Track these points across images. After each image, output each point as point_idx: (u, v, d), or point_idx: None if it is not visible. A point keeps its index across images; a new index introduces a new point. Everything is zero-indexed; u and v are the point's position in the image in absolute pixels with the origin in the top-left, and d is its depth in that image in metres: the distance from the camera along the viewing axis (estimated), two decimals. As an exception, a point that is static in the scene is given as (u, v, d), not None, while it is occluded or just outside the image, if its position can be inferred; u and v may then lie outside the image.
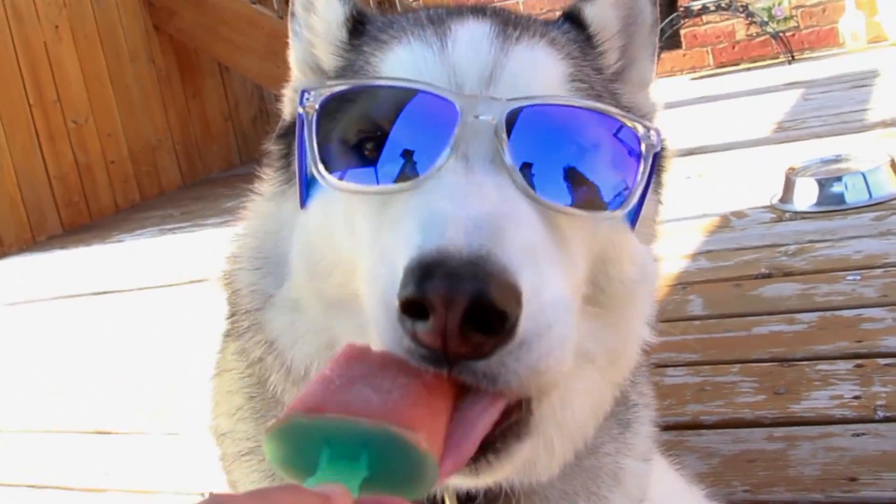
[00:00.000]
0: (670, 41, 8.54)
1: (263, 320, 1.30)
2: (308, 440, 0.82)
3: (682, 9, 8.51)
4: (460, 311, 0.87)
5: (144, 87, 7.80)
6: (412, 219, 0.99)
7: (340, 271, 1.18)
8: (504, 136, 1.06)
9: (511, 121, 1.07)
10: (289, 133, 1.36)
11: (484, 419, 0.94)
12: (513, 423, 1.02)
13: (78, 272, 5.62)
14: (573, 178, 1.09)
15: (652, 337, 1.32)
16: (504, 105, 1.07)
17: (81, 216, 7.10)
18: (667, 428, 2.23)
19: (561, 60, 1.24)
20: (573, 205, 1.08)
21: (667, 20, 8.39)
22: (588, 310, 1.16)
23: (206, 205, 6.66)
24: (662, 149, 1.21)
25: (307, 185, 1.21)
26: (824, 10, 8.72)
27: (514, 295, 0.90)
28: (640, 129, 1.13)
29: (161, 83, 7.98)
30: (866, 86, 6.46)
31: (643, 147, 1.12)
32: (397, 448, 0.81)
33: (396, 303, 0.91)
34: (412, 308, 0.90)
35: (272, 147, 1.42)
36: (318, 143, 1.12)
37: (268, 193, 1.41)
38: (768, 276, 3.20)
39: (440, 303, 0.87)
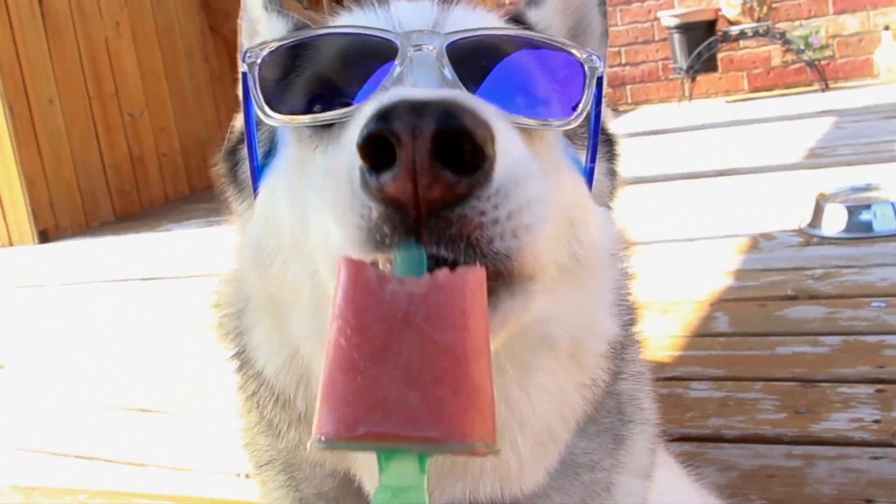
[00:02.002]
0: (707, 64, 8.56)
1: (249, 355, 1.27)
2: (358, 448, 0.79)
3: (719, 33, 8.54)
4: (428, 137, 0.78)
5: (198, 84, 7.94)
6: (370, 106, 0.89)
7: (281, 256, 1.14)
8: (446, 60, 1.01)
9: (453, 51, 1.02)
10: (233, 149, 1.37)
11: None
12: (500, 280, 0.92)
13: (127, 258, 5.74)
14: (520, 98, 1.06)
15: (618, 331, 1.22)
16: (444, 37, 1.03)
17: (133, 205, 7.26)
18: (689, 439, 2.28)
19: (500, 20, 1.24)
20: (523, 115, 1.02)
21: (704, 44, 8.42)
22: (559, 287, 1.08)
23: (252, 200, 6.72)
24: (613, 136, 1.23)
25: (258, 173, 1.19)
26: (860, 41, 8.73)
27: (487, 130, 0.81)
28: (582, 54, 1.09)
29: (213, 81, 8.12)
30: (899, 117, 6.46)
31: (586, 69, 1.08)
32: (453, 453, 0.77)
33: (358, 166, 0.83)
34: (373, 153, 0.81)
35: (220, 166, 1.40)
36: (264, 93, 1.08)
37: (236, 224, 1.39)
38: (794, 298, 3.23)
39: (405, 131, 0.78)
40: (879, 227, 3.84)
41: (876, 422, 2.28)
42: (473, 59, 1.04)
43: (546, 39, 1.13)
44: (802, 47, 8.52)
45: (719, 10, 8.59)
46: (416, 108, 0.79)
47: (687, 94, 8.77)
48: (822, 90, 8.39)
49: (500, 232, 0.85)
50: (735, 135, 6.92)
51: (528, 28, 1.31)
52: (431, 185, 0.80)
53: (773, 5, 8.66)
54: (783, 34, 8.47)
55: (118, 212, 7.11)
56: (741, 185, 5.07)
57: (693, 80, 8.77)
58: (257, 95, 1.07)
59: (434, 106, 0.79)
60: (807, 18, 8.85)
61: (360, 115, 0.90)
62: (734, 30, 8.43)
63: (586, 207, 1.15)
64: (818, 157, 5.56)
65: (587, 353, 1.16)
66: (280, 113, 1.07)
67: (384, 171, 0.80)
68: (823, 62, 8.62)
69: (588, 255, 1.12)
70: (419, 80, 1.00)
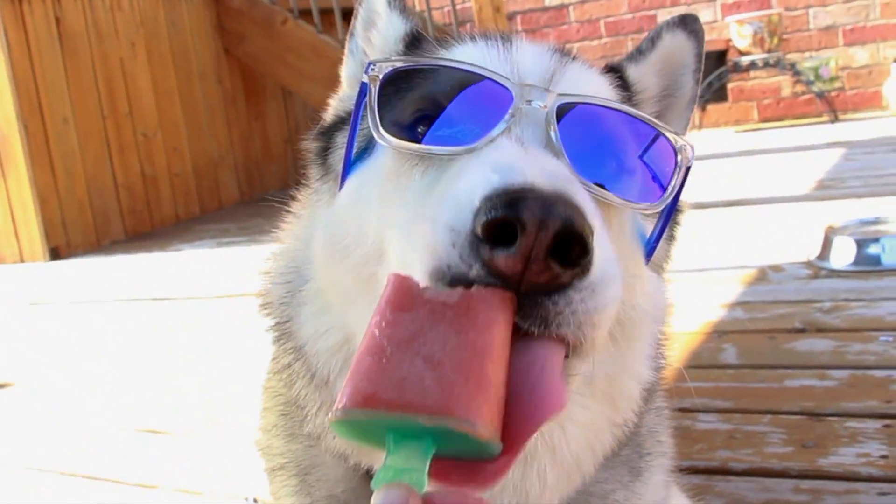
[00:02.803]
0: (717, 94, 8.59)
1: (293, 328, 1.32)
2: (371, 428, 0.84)
3: (730, 63, 8.57)
4: (551, 234, 0.86)
5: (211, 105, 8.00)
6: (480, 168, 0.98)
7: (362, 251, 1.18)
8: (554, 121, 1.07)
9: (562, 112, 1.09)
10: (328, 131, 1.42)
11: (548, 370, 0.91)
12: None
13: (138, 277, 5.77)
14: (613, 174, 1.11)
15: (652, 377, 1.30)
16: (557, 97, 1.09)
17: (144, 224, 7.31)
18: (696, 472, 2.28)
19: (610, 86, 1.30)
20: (614, 194, 1.09)
21: (715, 73, 8.45)
22: None
23: (263, 221, 6.65)
24: (681, 202, 1.25)
25: (349, 166, 1.24)
26: (870, 73, 8.76)
27: (592, 232, 0.90)
28: (678, 142, 1.15)
29: (227, 103, 8.18)
30: (908, 150, 6.47)
31: (679, 158, 1.15)
32: (460, 436, 0.81)
33: (474, 228, 0.89)
34: (496, 231, 0.88)
35: (312, 143, 1.46)
36: (380, 108, 1.13)
37: (298, 209, 1.45)
38: (802, 330, 3.24)
39: (534, 223, 0.86)
40: (888, 260, 3.84)
41: (883, 457, 2.28)
42: (579, 125, 1.10)
43: (649, 120, 1.17)
44: (812, 79, 8.55)
45: (730, 40, 8.63)
46: (546, 205, 0.86)
47: (697, 123, 8.79)
48: (832, 122, 8.42)
49: (575, 322, 0.92)
50: (745, 165, 6.93)
51: (625, 82, 1.41)
52: (540, 272, 0.88)
53: (784, 36, 8.70)
54: (793, 65, 8.51)
55: (129, 231, 7.15)
56: (750, 216, 5.09)
57: (703, 109, 8.81)
58: (374, 112, 1.13)
59: (561, 205, 0.87)
60: (817, 50, 8.88)
61: (478, 174, 0.96)
62: (745, 60, 8.46)
63: (639, 276, 1.21)
64: (827, 189, 5.57)
65: (623, 396, 1.24)
66: (389, 131, 1.12)
67: (498, 245, 0.88)
68: (833, 94, 8.65)
69: (631, 319, 1.19)
70: (525, 136, 1.06)
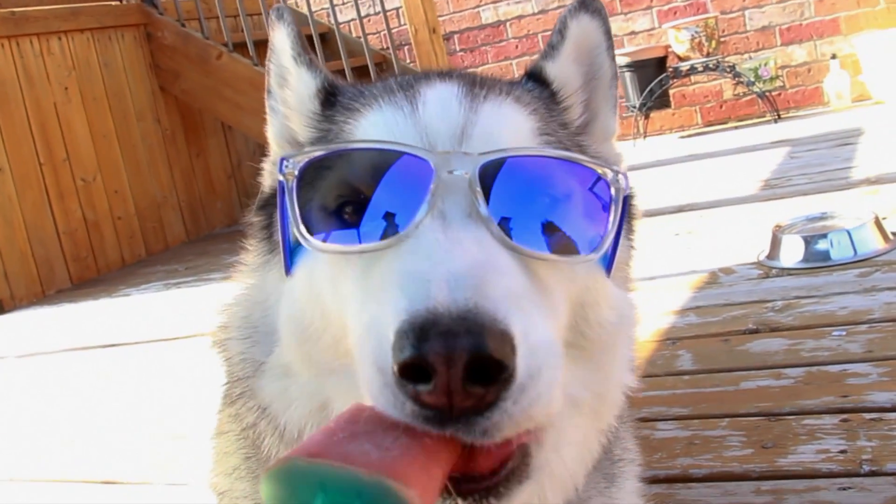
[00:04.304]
0: (659, 101, 8.63)
1: (255, 387, 1.32)
2: (305, 483, 0.83)
3: (670, 69, 8.63)
4: (461, 368, 0.88)
5: (150, 145, 7.91)
6: (395, 284, 1.00)
7: (330, 335, 1.19)
8: (478, 188, 1.08)
9: (484, 174, 1.09)
10: (269, 204, 1.39)
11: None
12: (514, 468, 1.04)
13: (86, 325, 5.67)
14: (548, 225, 1.12)
15: (635, 382, 1.35)
16: (476, 159, 1.10)
17: (89, 271, 7.19)
18: (657, 481, 2.27)
19: (528, 116, 1.28)
20: (550, 251, 1.10)
21: (656, 80, 8.50)
22: (571, 354, 1.17)
23: (210, 260, 6.72)
24: (630, 195, 1.26)
25: (291, 253, 1.23)
26: (809, 70, 8.86)
27: (509, 342, 0.92)
28: (609, 175, 1.15)
29: (166, 142, 8.09)
30: (851, 144, 6.54)
31: (613, 191, 1.15)
32: (390, 501, 0.82)
33: (392, 368, 0.93)
34: (411, 371, 0.91)
35: (253, 219, 1.45)
36: (300, 208, 1.15)
37: (253, 263, 1.44)
38: (756, 331, 3.24)
39: (441, 362, 0.88)
40: (836, 255, 3.86)
41: (842, 452, 2.28)
42: (504, 184, 1.11)
43: (575, 159, 1.18)
44: (753, 79, 8.62)
45: (669, 46, 8.70)
46: (449, 341, 0.89)
47: (641, 131, 8.84)
48: (775, 121, 8.49)
49: (512, 425, 0.95)
50: (690, 170, 6.97)
51: (547, 84, 1.42)
52: (464, 400, 0.91)
53: (722, 39, 8.78)
54: (733, 67, 8.58)
55: (75, 279, 7.03)
56: (698, 221, 5.11)
57: (647, 117, 8.85)
58: (295, 215, 1.14)
59: (463, 336, 0.89)
60: (755, 51, 8.97)
61: (393, 295, 0.99)
62: (684, 65, 8.52)
63: (598, 290, 1.22)
64: (773, 189, 5.61)
65: (608, 404, 1.29)
66: (315, 229, 1.15)
67: (419, 381, 0.91)
68: (774, 93, 8.73)
69: (597, 331, 1.22)
70: (448, 210, 1.08)
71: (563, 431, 1.20)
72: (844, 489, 2.13)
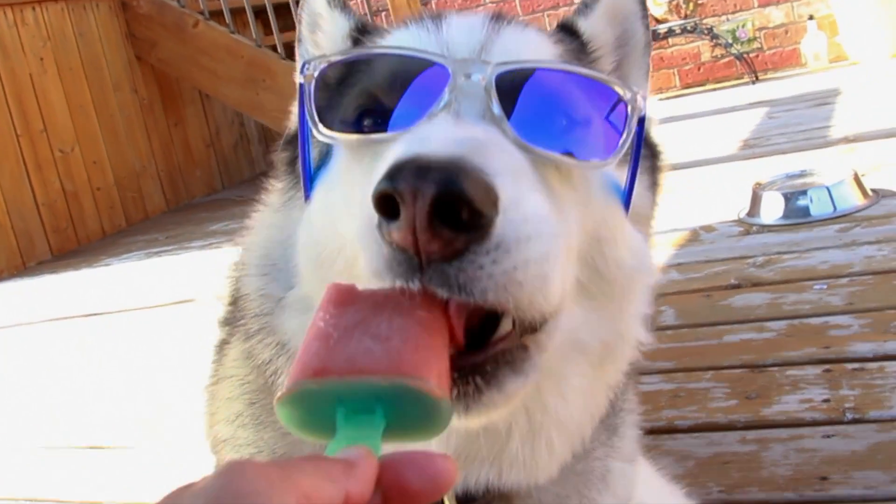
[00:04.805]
0: (638, 63, 8.62)
1: (275, 323, 1.31)
2: (321, 402, 0.82)
3: (648, 31, 8.62)
4: (428, 200, 0.85)
5: (128, 115, 7.83)
6: (397, 147, 1.00)
7: (343, 257, 1.18)
8: (494, 92, 1.07)
9: (501, 82, 1.08)
10: (294, 140, 1.38)
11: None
12: (504, 350, 1.01)
13: (67, 295, 5.62)
14: (563, 133, 1.10)
15: (648, 338, 1.30)
16: (495, 67, 1.08)
17: (69, 242, 7.12)
18: (644, 433, 2.29)
19: (552, 44, 1.28)
20: (562, 154, 1.08)
21: (633, 42, 8.48)
22: (583, 297, 1.15)
23: (190, 228, 6.70)
24: (657, 148, 1.30)
25: (311, 179, 1.24)
26: (787, 32, 8.86)
27: (489, 193, 0.89)
28: (627, 94, 1.13)
29: (144, 112, 8.01)
30: (829, 104, 6.56)
31: (629, 109, 1.13)
32: (411, 398, 0.80)
33: (371, 207, 0.91)
34: (385, 206, 0.88)
35: (280, 154, 1.45)
36: (317, 106, 1.15)
37: (275, 204, 1.44)
38: (737, 286, 3.26)
39: (408, 192, 0.86)
40: (816, 211, 3.89)
41: (825, 401, 2.31)
42: (520, 91, 1.09)
43: (593, 75, 1.16)
44: (730, 41, 8.63)
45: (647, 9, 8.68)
46: (420, 172, 0.86)
47: (620, 94, 8.82)
48: (753, 82, 8.51)
49: (494, 285, 0.91)
50: (670, 131, 6.98)
51: (578, 37, 1.40)
52: (430, 240, 0.88)
53: (700, 1, 8.78)
54: (711, 29, 8.58)
55: (55, 250, 6.98)
56: (679, 181, 5.11)
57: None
58: (311, 110, 1.14)
59: (437, 170, 0.86)
60: (733, 13, 8.96)
61: (390, 155, 0.98)
62: (662, 28, 8.52)
63: (616, 227, 1.19)
64: (753, 148, 5.62)
65: (617, 357, 1.25)
66: (331, 129, 1.14)
67: (393, 218, 0.88)
68: (752, 55, 8.74)
69: (613, 272, 1.18)
70: (463, 110, 1.06)
71: (568, 378, 1.18)
72: (828, 437, 2.16)
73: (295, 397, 0.82)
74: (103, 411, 3.40)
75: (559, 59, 1.25)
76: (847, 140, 5.19)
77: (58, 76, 7.26)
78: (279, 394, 0.82)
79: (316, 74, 1.16)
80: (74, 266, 6.35)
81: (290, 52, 6.74)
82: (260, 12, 7.59)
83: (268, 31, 7.58)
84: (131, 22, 7.93)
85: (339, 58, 1.20)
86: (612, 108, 1.14)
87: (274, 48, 7.41)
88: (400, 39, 1.25)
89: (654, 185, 1.40)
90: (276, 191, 1.46)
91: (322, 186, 1.23)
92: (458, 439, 1.16)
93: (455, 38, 1.20)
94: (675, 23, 8.41)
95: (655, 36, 8.58)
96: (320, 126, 1.14)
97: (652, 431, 2.32)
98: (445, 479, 0.75)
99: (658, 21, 8.54)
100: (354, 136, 1.14)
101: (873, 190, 4.01)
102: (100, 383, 3.77)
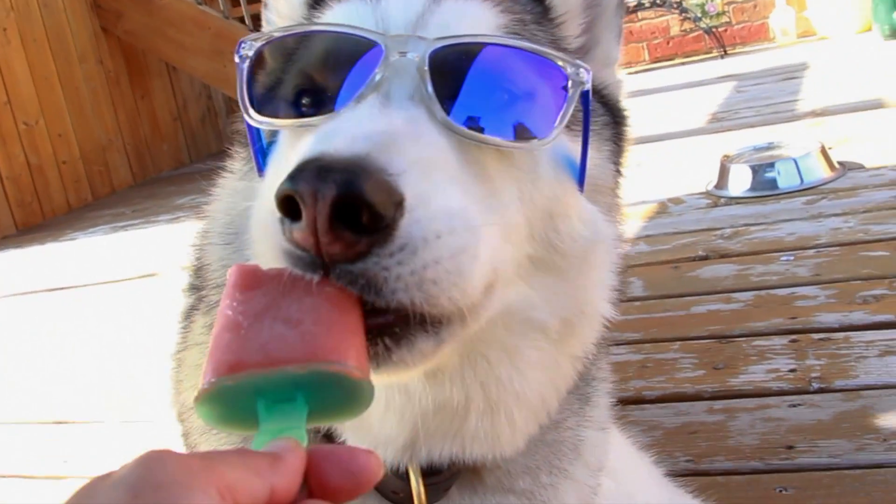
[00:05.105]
0: (607, 36, 8.62)
1: None
2: (240, 396, 0.80)
3: (617, 5, 8.61)
4: (328, 204, 0.84)
5: (94, 88, 7.74)
6: (309, 141, 0.99)
7: None
8: (426, 70, 1.04)
9: (436, 59, 1.05)
10: None
11: None
12: (415, 314, 0.96)
13: (33, 270, 5.58)
14: (499, 110, 1.07)
15: (613, 313, 1.27)
16: (430, 44, 1.06)
17: (35, 216, 7.05)
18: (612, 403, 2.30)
19: (496, 14, 1.22)
20: (496, 134, 1.06)
21: (602, 15, 8.47)
22: (540, 273, 1.14)
23: (157, 202, 6.65)
24: (623, 113, 1.26)
25: (263, 152, 1.22)
26: (755, 6, 8.88)
27: (390, 194, 0.88)
28: (569, 68, 1.10)
29: (110, 84, 7.92)
30: (796, 78, 6.58)
31: (569, 84, 1.10)
32: (331, 382, 0.80)
33: (274, 208, 0.90)
34: (287, 206, 0.88)
35: (240, 124, 1.40)
36: (248, 87, 1.13)
37: (239, 172, 1.41)
38: (705, 258, 3.28)
39: (308, 194, 0.85)
40: (783, 183, 3.91)
41: (792, 371, 2.33)
42: (455, 69, 1.06)
43: (531, 48, 1.12)
44: (699, 15, 8.64)
45: (616, -17, 8.67)
46: (321, 173, 0.85)
47: (590, 68, 8.82)
48: (722, 56, 8.52)
49: (402, 286, 0.90)
50: (639, 105, 6.97)
51: (542, 1, 1.34)
52: (331, 242, 0.87)
53: (668, -24, 8.78)
54: (680, 3, 8.58)
55: (20, 224, 6.90)
56: (648, 153, 5.12)
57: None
58: (242, 93, 1.12)
59: (338, 171, 0.85)
60: (701, -13, 8.98)
61: (303, 147, 0.97)
62: (632, 1, 8.51)
63: (569, 202, 1.16)
64: (721, 121, 5.64)
65: (580, 332, 1.21)
66: (262, 112, 1.13)
67: (296, 219, 0.87)
68: (721, 29, 8.75)
69: (568, 245, 1.16)
70: (394, 92, 1.04)
71: (522, 352, 1.16)
72: (794, 406, 2.18)
73: (212, 395, 0.80)
74: (69, 386, 3.37)
75: (504, 30, 1.20)
76: (814, 114, 5.21)
77: (21, 47, 7.16)
78: (195, 394, 0.80)
79: (251, 54, 1.14)
80: (39, 240, 6.29)
81: (258, 24, 6.70)
82: (228, -17, 7.52)
83: (235, 2, 7.51)
84: (97, -8, 7.83)
85: (273, 36, 1.17)
86: (553, 83, 1.10)
87: (242, 20, 7.35)
88: (338, 14, 1.21)
89: (618, 154, 1.36)
90: (239, 158, 1.44)
91: (273, 161, 1.21)
92: (414, 416, 1.14)
93: (392, 11, 1.16)
94: (644, -4, 8.40)
95: (625, 9, 8.57)
96: (250, 111, 1.12)
97: (620, 402, 2.30)
98: (367, 475, 0.75)
99: (627, -6, 8.52)
100: (279, 121, 1.13)
101: (840, 163, 4.03)
102: (65, 358, 3.74)
